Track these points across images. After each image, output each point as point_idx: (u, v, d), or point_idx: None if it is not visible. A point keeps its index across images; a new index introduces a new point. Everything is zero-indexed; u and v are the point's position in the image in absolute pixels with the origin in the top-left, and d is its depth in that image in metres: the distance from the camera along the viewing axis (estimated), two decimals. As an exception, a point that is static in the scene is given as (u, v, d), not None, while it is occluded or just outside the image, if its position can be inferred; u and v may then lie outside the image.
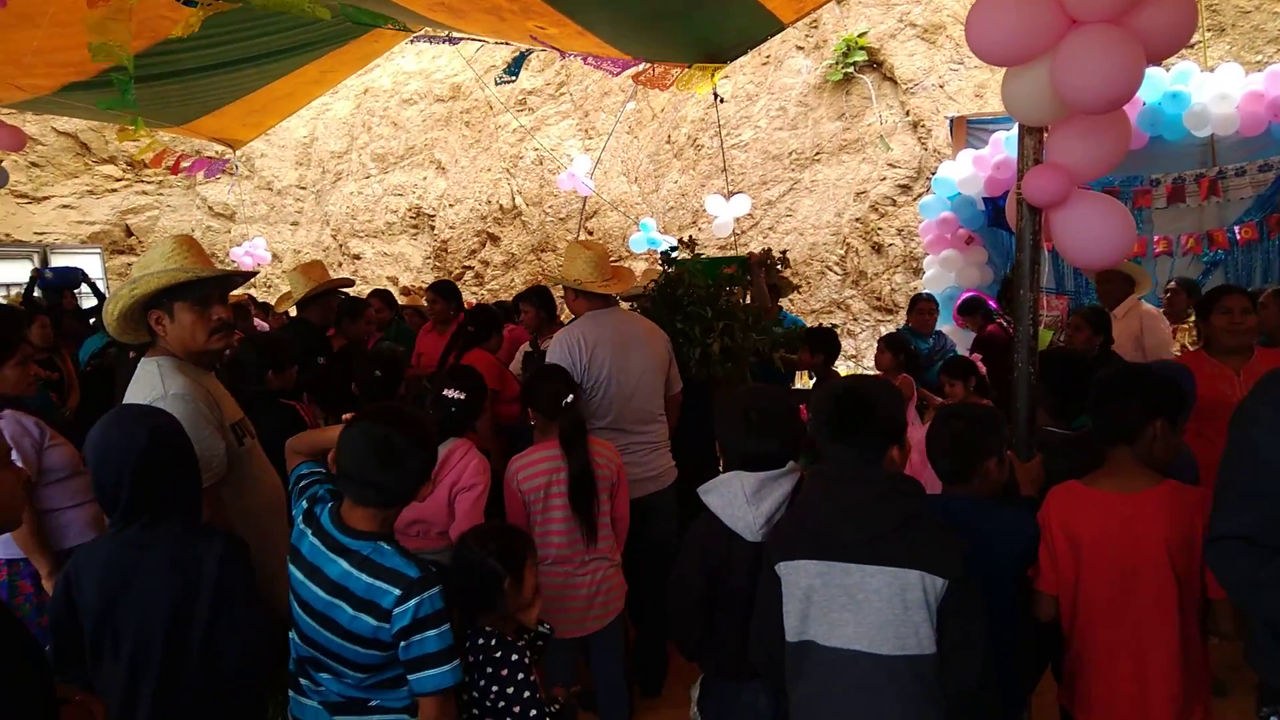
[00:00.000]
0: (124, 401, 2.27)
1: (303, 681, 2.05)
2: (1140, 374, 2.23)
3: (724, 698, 2.22)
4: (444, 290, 5.45)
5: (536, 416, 3.00)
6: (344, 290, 5.02)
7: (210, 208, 13.85)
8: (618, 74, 6.78)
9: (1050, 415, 2.81)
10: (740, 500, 2.13)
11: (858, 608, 1.84)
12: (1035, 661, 2.32)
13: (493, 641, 2.09)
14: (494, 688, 2.06)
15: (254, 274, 3.16)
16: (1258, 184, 6.58)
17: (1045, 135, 2.58)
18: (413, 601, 1.83)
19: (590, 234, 11.78)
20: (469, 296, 10.84)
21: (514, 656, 2.09)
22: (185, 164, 8.98)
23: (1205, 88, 6.36)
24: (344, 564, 1.89)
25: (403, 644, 1.85)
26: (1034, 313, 2.61)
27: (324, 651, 1.94)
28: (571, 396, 2.91)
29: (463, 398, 2.92)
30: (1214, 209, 6.79)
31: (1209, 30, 8.75)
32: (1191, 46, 8.56)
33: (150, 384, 2.31)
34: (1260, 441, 1.69)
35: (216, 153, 10.84)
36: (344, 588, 1.88)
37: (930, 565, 1.80)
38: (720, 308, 4.17)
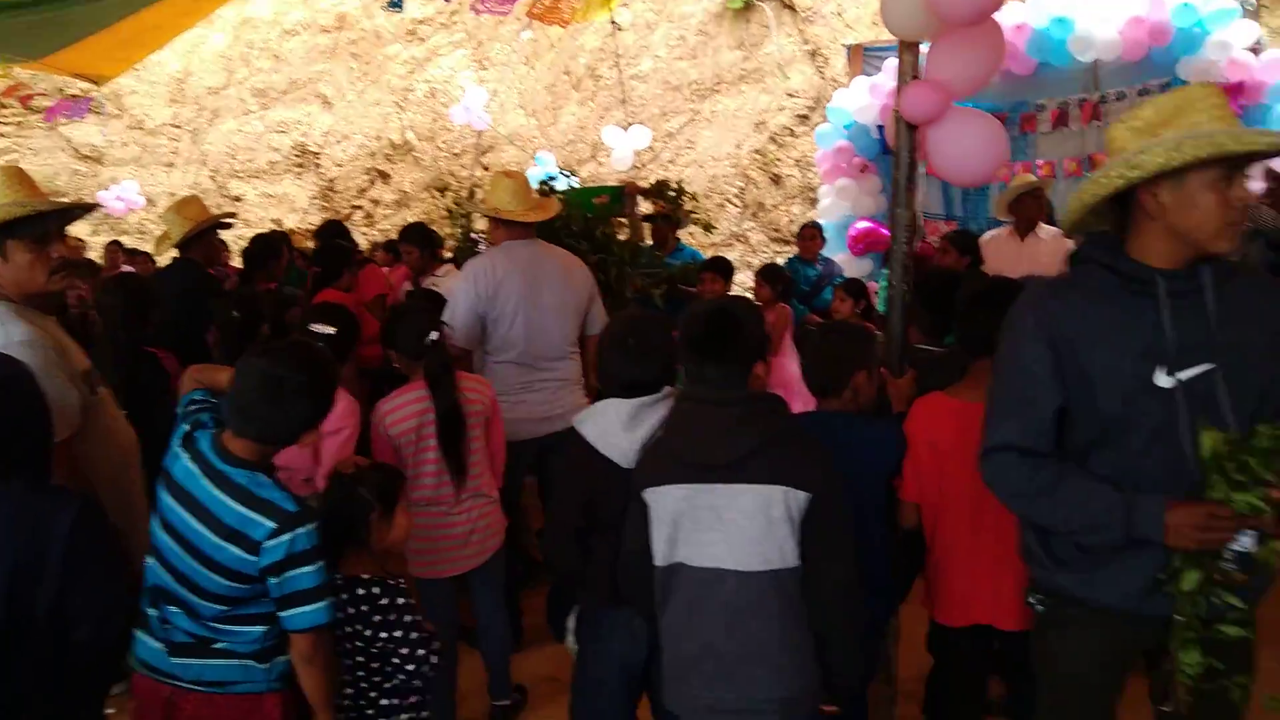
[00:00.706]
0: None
1: (151, 613, 1.95)
2: (1002, 287, 2.26)
3: (600, 624, 2.21)
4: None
5: (400, 358, 2.82)
6: (225, 223, 4.72)
7: (76, 150, 12.88)
8: (508, 12, 6.50)
9: (923, 333, 2.87)
10: (615, 427, 2.10)
11: (725, 527, 1.84)
12: (904, 571, 2.39)
13: (375, 589, 2.04)
14: (382, 634, 2.03)
15: (96, 206, 2.93)
16: (1136, 109, 6.77)
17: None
18: (286, 536, 1.79)
19: (486, 169, 11.46)
20: (358, 238, 10.46)
21: (400, 600, 2.06)
22: (46, 103, 8.31)
23: (1090, 12, 6.47)
24: (217, 491, 1.82)
25: (273, 580, 1.81)
26: (909, 230, 2.63)
27: (181, 580, 1.86)
28: (436, 334, 2.74)
29: (332, 333, 2.77)
30: (1095, 133, 6.93)
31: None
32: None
33: None
34: (1022, 348, 1.71)
35: (80, 90, 10.05)
36: (213, 514, 1.81)
37: (792, 480, 1.81)
38: (598, 241, 4.08)
